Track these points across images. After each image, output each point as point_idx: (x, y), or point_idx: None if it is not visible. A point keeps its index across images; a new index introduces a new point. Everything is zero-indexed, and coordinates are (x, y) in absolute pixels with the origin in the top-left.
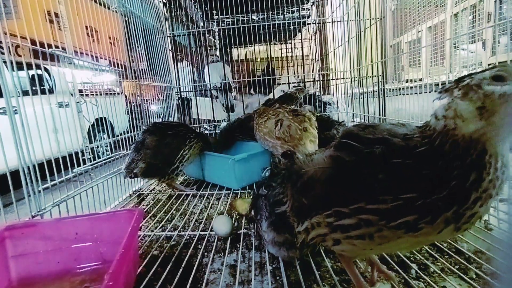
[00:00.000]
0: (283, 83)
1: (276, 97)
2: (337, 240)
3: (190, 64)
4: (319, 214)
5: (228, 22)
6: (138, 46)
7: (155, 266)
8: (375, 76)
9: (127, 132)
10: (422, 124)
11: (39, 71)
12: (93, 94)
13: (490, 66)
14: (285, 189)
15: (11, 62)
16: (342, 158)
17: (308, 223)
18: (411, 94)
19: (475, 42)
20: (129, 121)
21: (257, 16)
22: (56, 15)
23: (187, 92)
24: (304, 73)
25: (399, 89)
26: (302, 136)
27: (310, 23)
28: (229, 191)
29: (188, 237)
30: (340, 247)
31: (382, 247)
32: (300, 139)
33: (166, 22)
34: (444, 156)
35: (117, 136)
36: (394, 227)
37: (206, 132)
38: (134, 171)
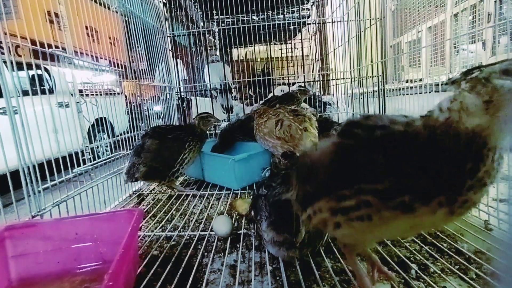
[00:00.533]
0: (283, 84)
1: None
2: (337, 224)
3: (181, 62)
4: (321, 199)
5: (228, 22)
6: (138, 46)
7: (155, 266)
8: (375, 76)
9: (127, 132)
10: (426, 113)
11: (39, 71)
12: (93, 94)
13: (500, 60)
14: (291, 179)
15: (11, 62)
16: (343, 143)
17: (311, 210)
18: (411, 94)
19: (475, 43)
20: (129, 121)
21: (257, 16)
22: (56, 15)
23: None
24: (304, 73)
25: (399, 89)
26: (303, 136)
27: (310, 23)
28: (229, 191)
29: (188, 237)
30: (341, 231)
31: (381, 230)
32: (301, 139)
33: (166, 22)
34: (443, 148)
35: (117, 136)
36: (391, 207)
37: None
38: (136, 176)
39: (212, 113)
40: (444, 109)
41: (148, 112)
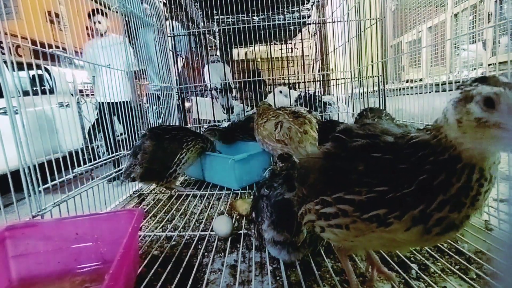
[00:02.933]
0: (283, 84)
1: (275, 98)
2: (322, 228)
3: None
4: (311, 201)
5: (228, 22)
6: (138, 46)
7: (155, 266)
8: (375, 76)
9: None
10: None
11: (39, 71)
12: (93, 94)
13: (503, 82)
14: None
15: (12, 62)
16: (330, 149)
17: (303, 209)
18: (411, 94)
19: (475, 42)
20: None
21: (257, 17)
22: (57, 15)
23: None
24: (304, 73)
25: (400, 89)
26: (303, 138)
27: (310, 23)
28: (229, 191)
29: (188, 237)
30: (325, 234)
31: (360, 240)
32: (301, 142)
33: (167, 22)
34: (427, 147)
35: (117, 136)
36: (366, 219)
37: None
38: (132, 176)
39: (212, 113)
40: (443, 112)
41: (148, 112)
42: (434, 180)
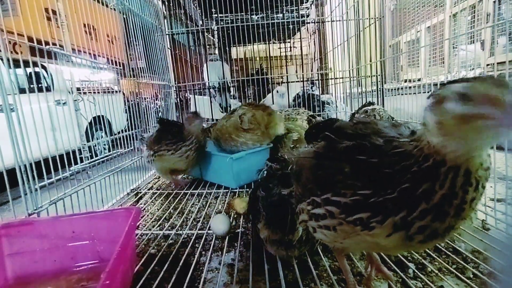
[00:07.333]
0: (282, 83)
1: (274, 98)
2: (314, 228)
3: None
4: (305, 201)
5: (227, 21)
6: (136, 44)
7: (152, 265)
8: (373, 75)
9: (126, 131)
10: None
11: (36, 69)
12: (91, 92)
13: (468, 78)
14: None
15: (8, 60)
16: (319, 149)
17: (299, 208)
18: (409, 94)
19: (473, 42)
20: (127, 120)
21: (256, 15)
22: (54, 12)
23: None
24: (303, 72)
25: (398, 88)
26: (271, 119)
27: (309, 22)
28: (227, 190)
29: (185, 235)
30: (317, 235)
31: (348, 242)
32: (269, 123)
33: (165, 20)
34: (409, 158)
35: (115, 134)
36: (351, 222)
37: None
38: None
39: (211, 111)
40: (422, 121)
41: (146, 111)
42: (417, 190)
